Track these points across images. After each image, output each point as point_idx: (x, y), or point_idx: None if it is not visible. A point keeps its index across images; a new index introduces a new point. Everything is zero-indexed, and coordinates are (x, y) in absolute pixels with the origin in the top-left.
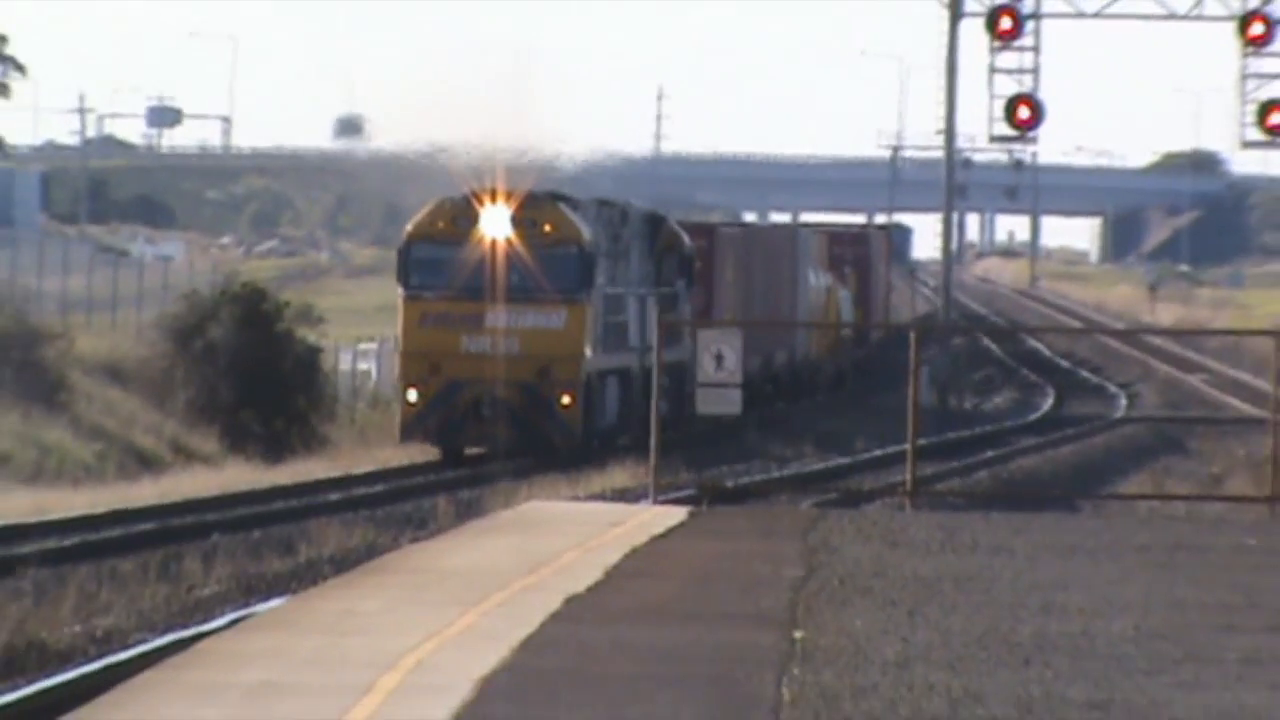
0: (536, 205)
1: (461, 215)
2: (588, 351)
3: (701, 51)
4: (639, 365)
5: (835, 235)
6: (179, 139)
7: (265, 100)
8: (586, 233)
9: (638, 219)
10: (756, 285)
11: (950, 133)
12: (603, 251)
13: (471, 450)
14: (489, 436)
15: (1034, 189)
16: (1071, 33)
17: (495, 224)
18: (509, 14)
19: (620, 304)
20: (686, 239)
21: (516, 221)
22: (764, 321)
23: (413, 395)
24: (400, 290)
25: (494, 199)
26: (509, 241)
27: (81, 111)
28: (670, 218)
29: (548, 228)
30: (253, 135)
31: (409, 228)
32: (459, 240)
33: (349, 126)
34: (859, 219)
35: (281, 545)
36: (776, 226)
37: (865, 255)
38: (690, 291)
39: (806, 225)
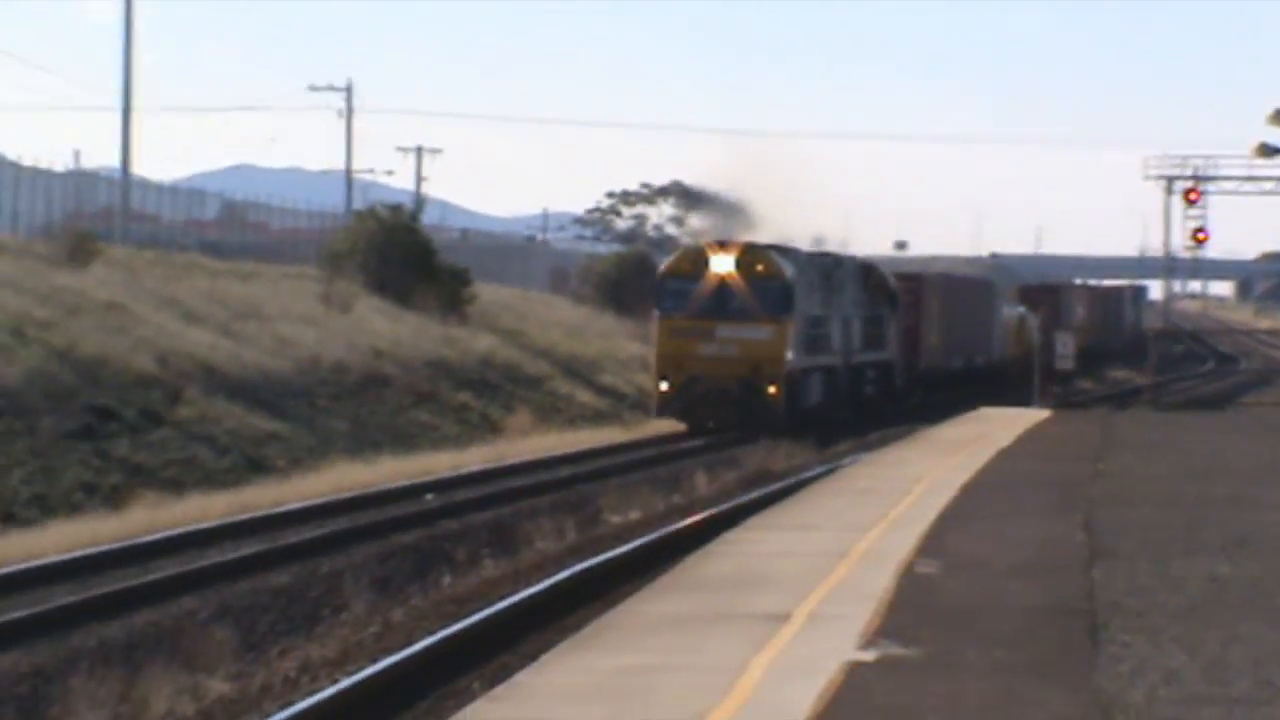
0: (753, 252)
1: (700, 259)
2: (789, 355)
3: (1020, 206)
4: (843, 364)
5: (1026, 286)
6: None
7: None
8: (789, 271)
9: (851, 265)
10: (960, 314)
11: (1166, 245)
12: (811, 285)
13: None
14: (717, 415)
15: (1204, 269)
16: (1227, 197)
17: (722, 265)
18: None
19: (824, 322)
20: (892, 281)
21: (738, 264)
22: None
23: (664, 385)
24: (656, 312)
25: (722, 248)
26: (731, 277)
27: (543, 216)
28: (880, 267)
29: (760, 268)
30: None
31: (661, 268)
32: (697, 277)
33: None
34: (1121, 283)
35: (859, 433)
36: (978, 277)
37: (1055, 298)
38: (895, 316)
39: (1074, 285)
